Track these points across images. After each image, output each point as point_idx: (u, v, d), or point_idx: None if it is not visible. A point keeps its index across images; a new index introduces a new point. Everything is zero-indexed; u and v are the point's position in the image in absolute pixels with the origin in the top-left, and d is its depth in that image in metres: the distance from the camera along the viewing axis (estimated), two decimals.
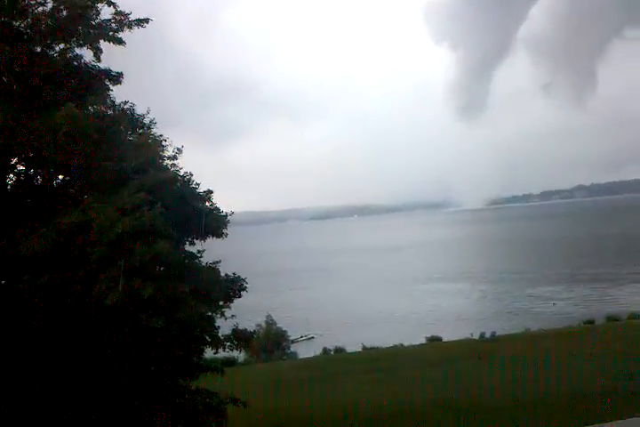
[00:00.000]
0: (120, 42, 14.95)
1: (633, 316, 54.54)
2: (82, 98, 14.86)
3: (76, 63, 15.25)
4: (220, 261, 16.10)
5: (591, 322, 54.29)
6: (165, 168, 15.45)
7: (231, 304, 16.38)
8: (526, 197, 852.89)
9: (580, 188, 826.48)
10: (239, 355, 41.39)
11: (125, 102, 16.00)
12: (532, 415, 20.46)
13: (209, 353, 17.80)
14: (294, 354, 54.16)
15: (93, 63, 15.39)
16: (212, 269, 15.66)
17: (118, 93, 16.07)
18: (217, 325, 16.06)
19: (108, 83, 15.54)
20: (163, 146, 15.87)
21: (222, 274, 15.97)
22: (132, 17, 15.02)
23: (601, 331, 45.18)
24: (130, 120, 15.88)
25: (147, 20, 15.14)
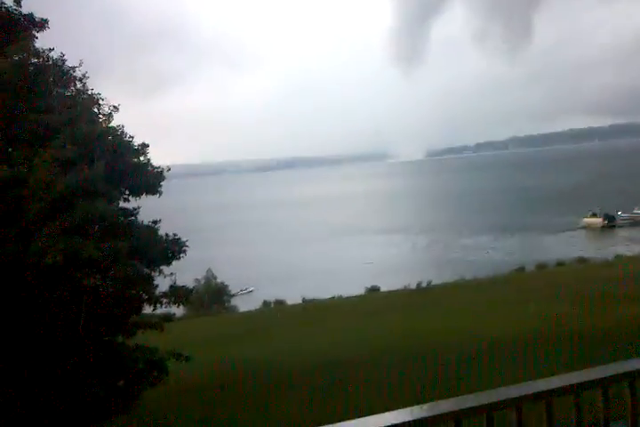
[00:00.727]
0: None
1: (559, 263, 57.29)
2: (2, 45, 13.86)
3: None
4: (159, 221, 15.69)
5: (522, 269, 56.70)
6: (97, 123, 14.74)
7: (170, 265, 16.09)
8: (462, 149, 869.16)
9: (514, 139, 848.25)
10: (178, 310, 41.27)
11: (51, 50, 14.90)
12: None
13: (147, 310, 17.56)
14: (234, 308, 54.48)
15: (14, 8, 14.31)
16: (150, 228, 15.26)
17: (42, 42, 15.03)
18: (155, 283, 15.81)
19: (31, 28, 14.51)
20: (98, 104, 15.11)
21: (162, 233, 15.60)
22: None
23: (529, 277, 47.22)
24: (59, 71, 14.91)
25: None
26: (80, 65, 15.27)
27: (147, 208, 16.31)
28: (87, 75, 15.39)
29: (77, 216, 12.37)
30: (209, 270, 56.42)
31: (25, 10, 14.47)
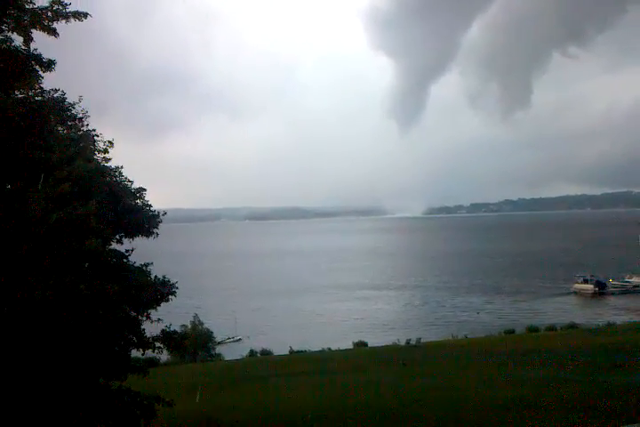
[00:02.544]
0: (54, 32, 14.23)
1: (550, 328, 56.91)
2: (9, 82, 14.09)
3: (5, 46, 14.45)
4: (151, 263, 15.65)
5: (512, 332, 56.23)
6: (94, 160, 14.87)
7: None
8: (456, 208, 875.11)
9: (508, 202, 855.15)
10: (162, 355, 40.58)
11: (56, 90, 15.15)
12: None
13: (133, 353, 17.27)
14: (220, 356, 53.55)
15: (23, 48, 14.61)
16: (143, 270, 15.18)
17: (47, 81, 15.28)
18: (142, 327, 15.61)
19: (38, 69, 14.78)
20: (94, 140, 15.27)
21: (152, 275, 15.51)
22: (70, 8, 14.25)
23: (520, 340, 46.78)
24: (60, 109, 15.13)
25: (85, 15, 14.39)
26: (80, 101, 15.49)
27: (139, 249, 16.30)
28: (87, 113, 15.59)
29: (67, 254, 12.32)
30: (195, 316, 55.72)
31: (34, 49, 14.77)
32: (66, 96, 15.26)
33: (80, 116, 15.52)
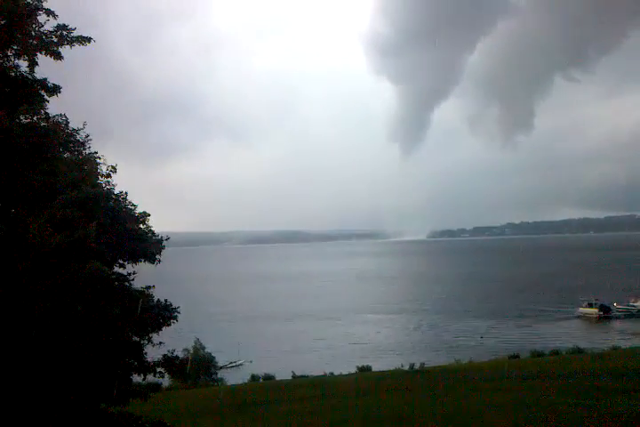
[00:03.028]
0: (59, 57, 14.45)
1: (554, 352, 56.43)
2: (14, 107, 14.26)
3: (12, 73, 14.67)
4: (153, 286, 15.62)
5: (516, 356, 55.67)
6: (98, 185, 14.95)
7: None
8: (460, 232, 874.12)
9: (510, 225, 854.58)
10: (163, 380, 40.29)
11: (61, 115, 15.33)
12: None
13: (135, 378, 17.16)
14: (222, 380, 53.11)
15: (28, 73, 14.82)
16: (145, 294, 15.13)
17: (50, 106, 15.44)
18: (144, 351, 15.51)
19: (44, 94, 14.96)
20: (97, 163, 15.37)
21: (154, 299, 15.46)
22: (74, 33, 14.51)
23: (524, 364, 46.33)
24: (64, 135, 15.28)
25: (89, 40, 14.65)
26: (84, 127, 15.57)
27: (141, 273, 16.28)
28: (90, 137, 15.71)
29: (67, 277, 12.32)
30: (197, 341, 55.44)
31: (39, 74, 14.97)
32: (69, 121, 15.43)
33: (83, 140, 15.65)
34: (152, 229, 15.69)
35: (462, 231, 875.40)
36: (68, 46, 14.45)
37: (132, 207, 15.38)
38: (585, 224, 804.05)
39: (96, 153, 15.65)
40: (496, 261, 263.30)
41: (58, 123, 14.98)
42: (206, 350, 54.84)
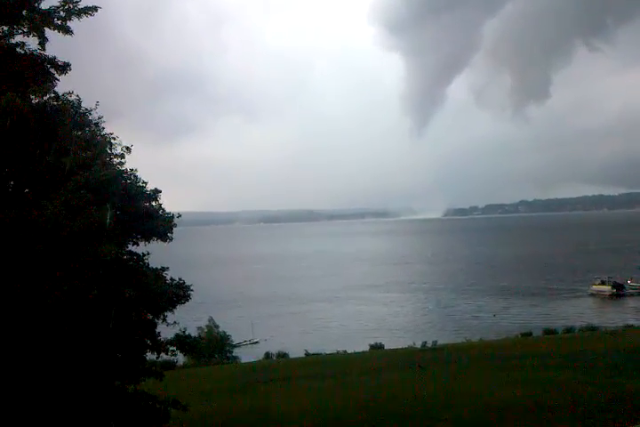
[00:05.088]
0: (67, 31, 14.27)
1: (567, 330, 56.38)
2: (24, 87, 14.13)
3: (20, 50, 14.50)
4: (167, 268, 15.59)
5: (529, 334, 55.73)
6: (111, 165, 14.86)
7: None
8: (472, 210, 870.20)
9: (523, 203, 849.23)
10: (178, 358, 40.70)
11: (70, 93, 15.11)
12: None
13: (149, 356, 17.29)
14: (236, 358, 53.61)
15: (39, 51, 14.65)
16: (159, 275, 15.12)
17: (61, 84, 15.29)
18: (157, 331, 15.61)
19: (54, 72, 14.78)
20: (111, 143, 15.26)
21: (168, 278, 15.47)
22: (80, 4, 14.27)
23: (537, 342, 46.38)
24: (75, 113, 15.13)
25: (95, 9, 14.41)
26: (96, 107, 15.46)
27: (154, 253, 16.28)
28: (103, 118, 15.57)
29: (83, 259, 12.31)
30: (210, 319, 55.88)
31: (48, 52, 14.81)
32: (81, 100, 15.27)
33: (96, 121, 15.51)
34: (163, 206, 15.63)
35: (474, 209, 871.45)
36: (76, 19, 14.25)
37: (143, 185, 15.29)
38: (599, 201, 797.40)
39: (111, 134, 15.54)
40: (508, 239, 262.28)
41: (69, 101, 14.82)
42: (220, 329, 55.32)
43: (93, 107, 15.43)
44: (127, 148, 15.34)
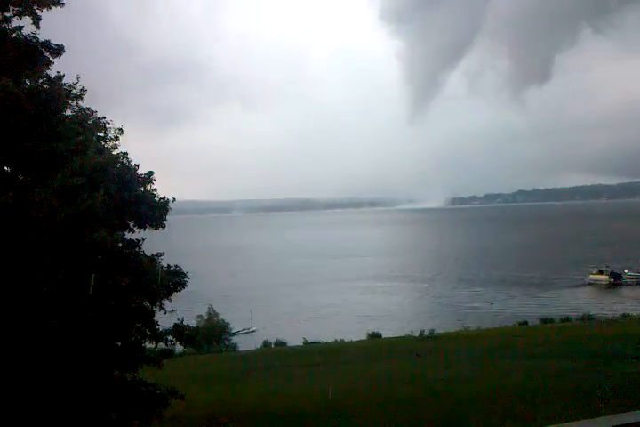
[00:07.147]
0: (58, 3, 14.10)
1: (564, 319, 56.57)
2: (19, 71, 13.96)
3: (14, 35, 14.31)
4: (163, 253, 15.47)
5: (525, 323, 55.86)
6: (105, 149, 14.73)
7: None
8: (470, 199, 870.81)
9: (522, 193, 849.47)
10: (177, 347, 40.76)
11: (62, 76, 14.87)
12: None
13: (147, 344, 17.27)
14: (234, 346, 53.70)
15: (33, 35, 14.46)
16: (153, 261, 15.03)
17: (54, 69, 15.09)
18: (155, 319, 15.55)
19: (48, 55, 14.58)
20: (105, 128, 15.13)
21: (164, 265, 15.39)
22: None
23: (533, 331, 46.51)
24: (68, 97, 14.93)
25: None
26: (78, 80, 15.04)
27: (148, 242, 16.12)
28: (85, 91, 15.20)
29: (76, 246, 12.23)
30: (210, 307, 55.94)
31: (40, 31, 14.61)
32: (76, 86, 15.11)
33: (79, 93, 15.26)
34: (156, 190, 15.46)
35: (473, 199, 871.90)
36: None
37: (135, 168, 15.14)
38: (597, 191, 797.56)
39: (104, 118, 15.43)
40: (506, 229, 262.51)
41: (61, 85, 14.66)
42: (220, 317, 55.42)
43: (85, 90, 15.26)
44: (120, 129, 15.23)
